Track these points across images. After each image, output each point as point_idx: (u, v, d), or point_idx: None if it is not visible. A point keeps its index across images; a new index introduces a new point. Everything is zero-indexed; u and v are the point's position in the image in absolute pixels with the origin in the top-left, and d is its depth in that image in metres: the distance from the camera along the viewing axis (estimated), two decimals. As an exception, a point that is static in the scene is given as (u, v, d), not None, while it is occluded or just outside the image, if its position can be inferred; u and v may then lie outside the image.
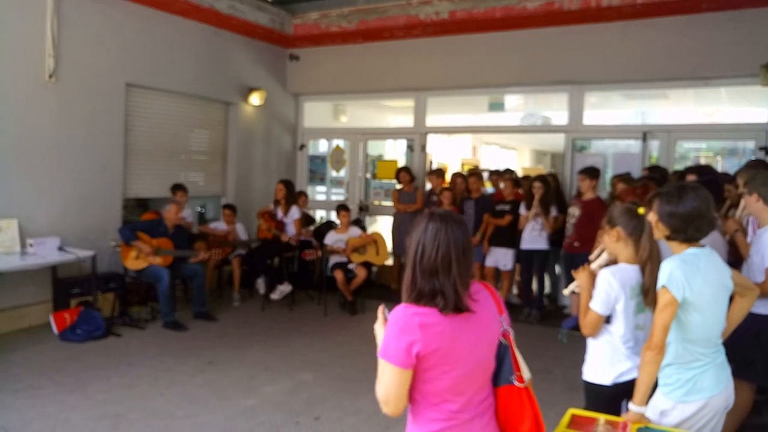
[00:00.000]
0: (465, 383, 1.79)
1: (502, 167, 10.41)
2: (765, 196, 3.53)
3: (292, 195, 8.02)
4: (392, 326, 1.75)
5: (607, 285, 2.70)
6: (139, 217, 7.46)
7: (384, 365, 1.75)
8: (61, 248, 6.11)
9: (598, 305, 2.71)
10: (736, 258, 4.06)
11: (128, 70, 7.19)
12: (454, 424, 1.78)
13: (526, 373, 1.90)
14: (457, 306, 1.74)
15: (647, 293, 2.69)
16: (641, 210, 2.70)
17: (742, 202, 3.92)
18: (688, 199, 2.40)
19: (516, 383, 1.87)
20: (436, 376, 1.75)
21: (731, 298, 2.58)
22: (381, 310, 1.92)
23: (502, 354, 1.89)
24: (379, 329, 1.88)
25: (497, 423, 1.89)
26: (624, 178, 6.35)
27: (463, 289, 1.75)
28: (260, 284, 7.65)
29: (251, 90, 8.95)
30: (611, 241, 2.81)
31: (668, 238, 2.49)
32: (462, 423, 1.79)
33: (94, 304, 6.18)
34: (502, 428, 1.91)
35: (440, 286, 1.75)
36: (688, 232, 2.43)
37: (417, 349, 1.70)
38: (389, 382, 1.74)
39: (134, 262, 6.42)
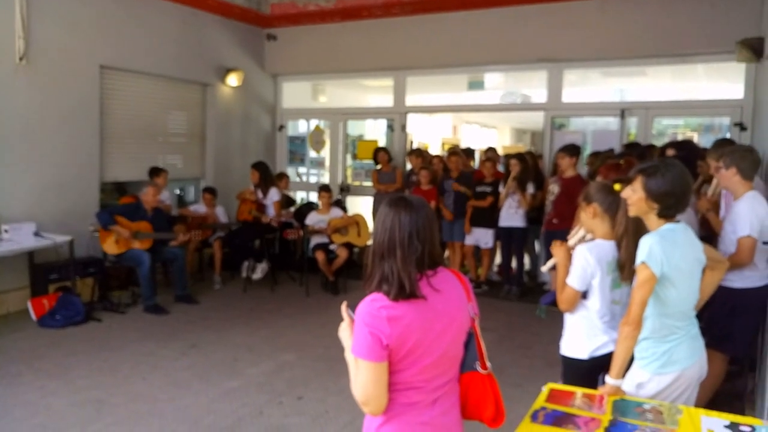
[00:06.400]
0: (431, 371, 1.78)
1: (484, 146, 10.29)
2: (743, 170, 3.58)
3: (269, 177, 7.95)
4: (360, 322, 1.72)
5: (583, 261, 2.73)
6: (117, 201, 7.38)
7: (358, 363, 1.72)
8: (37, 233, 6.01)
9: (574, 281, 2.75)
10: (707, 232, 4.14)
11: (102, 52, 7.05)
12: (418, 408, 1.78)
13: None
14: (401, 291, 1.70)
15: (623, 268, 2.73)
16: (617, 186, 2.73)
17: (715, 180, 3.96)
18: (675, 175, 2.42)
19: (479, 370, 1.89)
20: (404, 367, 1.74)
21: (703, 272, 2.63)
22: (344, 309, 1.87)
23: (467, 341, 1.90)
24: (345, 331, 1.85)
25: (460, 408, 1.91)
26: (606, 155, 6.39)
27: (406, 275, 1.72)
28: (245, 267, 7.64)
29: (229, 71, 8.84)
30: (588, 217, 2.84)
31: (650, 214, 2.49)
32: (425, 407, 1.79)
33: (73, 290, 6.13)
34: (465, 413, 1.93)
35: (387, 271, 1.74)
36: (675, 207, 2.45)
37: (387, 342, 1.69)
38: (366, 379, 1.71)
39: (113, 246, 6.36)
